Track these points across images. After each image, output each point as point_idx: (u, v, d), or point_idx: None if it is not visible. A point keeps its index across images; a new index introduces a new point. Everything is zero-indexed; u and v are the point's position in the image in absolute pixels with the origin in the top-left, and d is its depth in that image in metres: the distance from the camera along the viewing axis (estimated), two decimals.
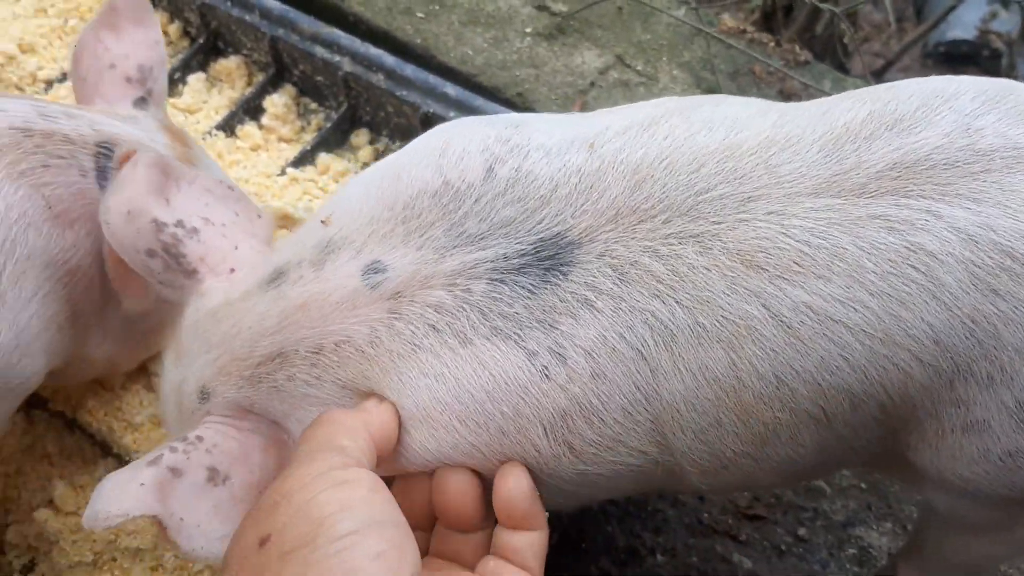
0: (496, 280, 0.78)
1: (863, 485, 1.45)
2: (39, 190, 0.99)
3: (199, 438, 0.84)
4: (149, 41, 1.17)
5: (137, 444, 1.28)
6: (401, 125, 1.65)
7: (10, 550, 1.27)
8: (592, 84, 1.66)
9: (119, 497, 0.76)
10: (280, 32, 1.67)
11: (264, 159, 1.65)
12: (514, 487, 0.78)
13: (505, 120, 0.88)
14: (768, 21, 2.24)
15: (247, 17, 1.69)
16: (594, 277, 0.75)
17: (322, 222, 0.88)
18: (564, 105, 1.65)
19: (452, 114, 1.56)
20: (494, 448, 0.79)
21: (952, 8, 2.67)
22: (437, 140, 0.87)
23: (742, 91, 1.67)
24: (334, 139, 1.69)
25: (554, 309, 0.76)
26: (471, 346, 0.78)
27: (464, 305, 0.78)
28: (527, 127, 0.86)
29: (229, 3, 1.71)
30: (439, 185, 0.83)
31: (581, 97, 1.65)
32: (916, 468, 0.83)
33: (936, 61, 3.49)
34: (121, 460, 1.31)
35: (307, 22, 1.66)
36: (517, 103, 1.64)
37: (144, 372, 1.35)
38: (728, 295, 0.73)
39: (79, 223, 1.03)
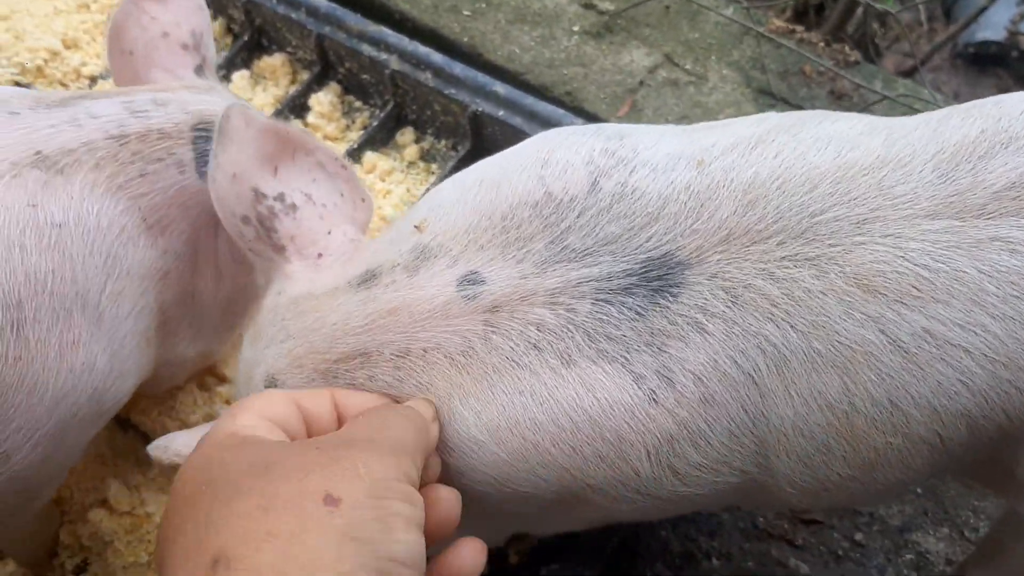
0: (602, 300, 0.76)
1: (919, 490, 1.43)
2: (136, 202, 0.97)
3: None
4: (194, 6, 1.13)
5: None
6: (448, 124, 1.64)
7: (63, 551, 1.26)
8: (641, 83, 1.65)
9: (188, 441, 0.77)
10: (326, 29, 1.66)
11: None
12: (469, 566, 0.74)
13: (609, 131, 0.86)
14: (800, 20, 2.22)
15: (293, 14, 1.68)
16: (705, 299, 0.74)
17: (416, 227, 0.87)
18: (613, 104, 1.63)
19: (501, 113, 1.55)
20: (586, 472, 0.78)
21: (983, 9, 2.65)
22: (539, 149, 0.85)
23: (792, 91, 1.65)
24: (380, 137, 1.67)
25: (663, 332, 0.74)
26: (575, 368, 0.76)
27: (569, 326, 0.76)
28: (632, 139, 0.84)
29: (275, 0, 1.70)
30: (541, 196, 0.81)
31: (630, 96, 1.63)
32: (1018, 479, 0.81)
33: (965, 62, 3.47)
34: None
35: (354, 19, 1.65)
36: (566, 102, 1.62)
37: (198, 371, 1.34)
38: (845, 320, 0.71)
39: (172, 226, 1.01)
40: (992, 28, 3.36)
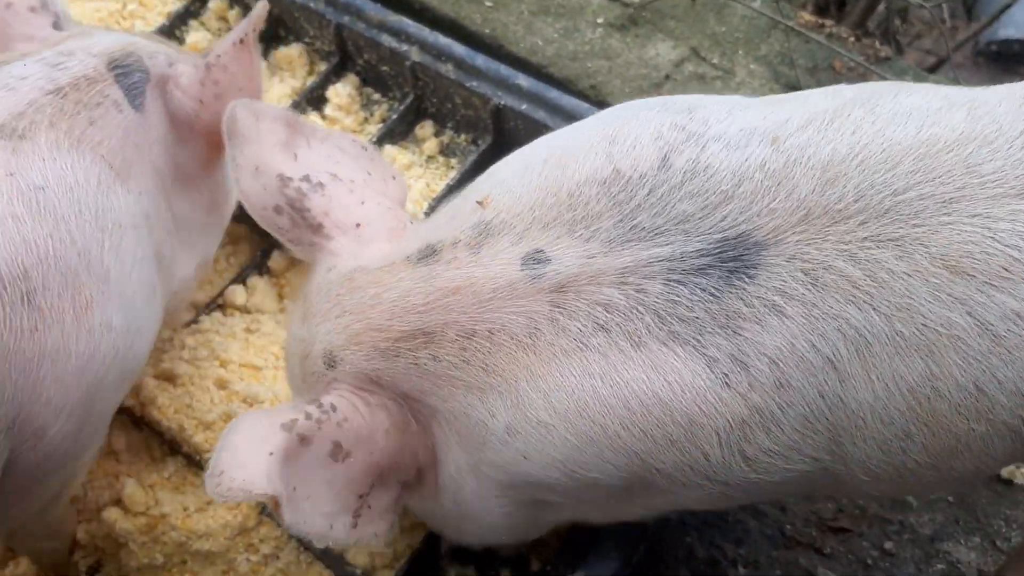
0: (674, 281, 0.74)
1: (950, 498, 1.39)
2: (97, 151, 0.96)
3: (333, 407, 0.82)
4: None
5: (209, 443, 1.24)
6: (469, 117, 1.60)
7: (77, 550, 1.24)
8: (667, 77, 1.61)
9: (247, 465, 0.74)
10: (345, 19, 1.63)
11: None
12: None
13: (678, 105, 0.84)
14: (822, 15, 2.18)
15: (311, 4, 1.65)
16: (784, 281, 0.72)
17: (478, 203, 0.85)
18: (639, 98, 1.59)
19: (524, 106, 1.51)
20: (655, 456, 0.76)
21: (1007, 7, 2.61)
22: (606, 125, 0.83)
23: (821, 87, 1.62)
24: (399, 131, 1.64)
25: (738, 315, 0.73)
26: (645, 350, 0.74)
27: (638, 307, 0.75)
28: (702, 112, 0.82)
29: None
30: (609, 173, 0.79)
31: (656, 91, 1.60)
32: None
33: (987, 60, 3.43)
34: (191, 459, 1.27)
35: (374, 10, 1.62)
36: (590, 95, 1.59)
37: (215, 368, 1.31)
38: (930, 302, 0.69)
39: (134, 167, 1.01)
40: (1015, 26, 3.32)
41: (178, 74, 1.07)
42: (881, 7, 2.31)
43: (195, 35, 1.74)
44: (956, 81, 2.57)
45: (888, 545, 1.35)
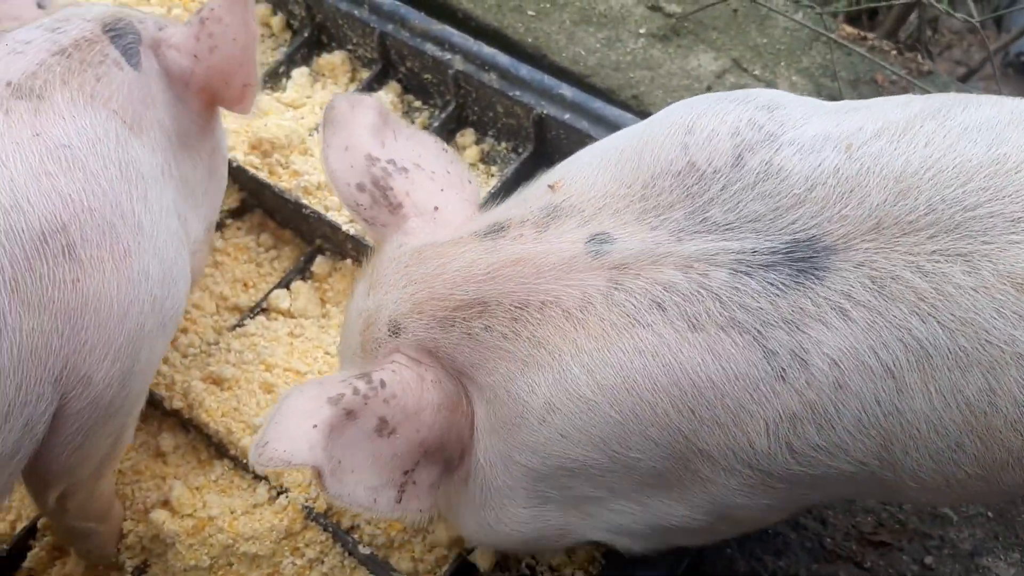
0: (742, 272, 0.75)
1: (990, 513, 1.39)
2: (109, 106, 0.99)
3: (382, 383, 0.83)
4: None
5: None
6: (510, 126, 1.61)
7: (124, 550, 1.25)
8: (709, 88, 1.61)
9: (292, 437, 0.76)
10: (389, 27, 1.64)
11: None
12: None
13: (757, 101, 0.85)
14: (853, 25, 2.18)
15: (356, 11, 1.66)
16: (851, 286, 0.73)
17: (550, 187, 0.88)
18: None
19: (567, 116, 1.52)
20: (700, 435, 0.77)
21: None
22: (684, 117, 0.85)
23: (864, 99, 1.62)
24: (440, 138, 1.64)
25: (804, 312, 0.74)
26: (703, 333, 0.75)
27: (700, 289, 0.76)
28: (782, 111, 0.83)
29: None
30: (683, 166, 0.81)
31: None
32: None
33: (1017, 70, 3.41)
34: (237, 462, 1.28)
35: (418, 18, 1.63)
36: (632, 106, 1.59)
37: (261, 372, 1.33)
38: (995, 319, 0.70)
39: (144, 122, 1.03)
40: None
41: (168, 35, 1.09)
42: (912, 17, 2.31)
43: None
44: (995, 92, 2.56)
45: (928, 560, 1.35)
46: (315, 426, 0.77)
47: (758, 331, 0.74)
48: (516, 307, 0.82)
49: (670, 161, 0.81)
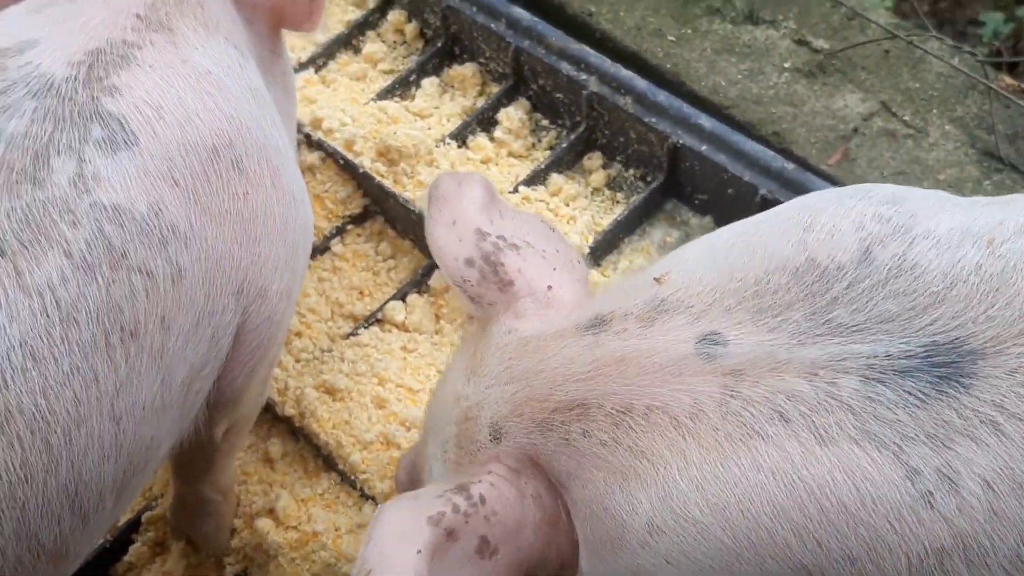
0: (874, 379, 0.67)
1: None
2: (221, 32, 0.98)
3: (482, 499, 0.78)
4: None
5: (366, 463, 1.22)
6: (642, 153, 1.56)
7: (228, 553, 1.23)
8: (855, 131, 1.54)
9: (395, 565, 0.71)
10: (525, 43, 1.60)
11: (495, 174, 1.58)
12: None
13: (880, 194, 0.77)
14: (1014, 76, 2.07)
15: (492, 24, 1.63)
16: (1004, 396, 0.65)
17: (655, 279, 0.80)
18: (824, 150, 1.52)
19: (704, 148, 1.46)
20: (827, 572, 0.68)
21: None
22: (802, 211, 0.77)
23: (1022, 157, 1.52)
24: (566, 160, 1.60)
25: (949, 425, 0.65)
26: (833, 447, 0.66)
27: (829, 399, 0.67)
28: (908, 204, 0.75)
29: (475, 8, 1.66)
30: (802, 262, 0.73)
31: (843, 144, 1.52)
32: None
33: None
34: (345, 477, 1.25)
35: (556, 36, 1.59)
36: (772, 142, 1.53)
37: (373, 386, 1.30)
38: None
39: (243, 47, 1.02)
40: None
41: None
42: None
43: (371, 46, 1.75)
44: None
45: None
46: (419, 552, 0.72)
47: (898, 446, 0.66)
48: (618, 411, 0.75)
49: (787, 257, 0.74)
